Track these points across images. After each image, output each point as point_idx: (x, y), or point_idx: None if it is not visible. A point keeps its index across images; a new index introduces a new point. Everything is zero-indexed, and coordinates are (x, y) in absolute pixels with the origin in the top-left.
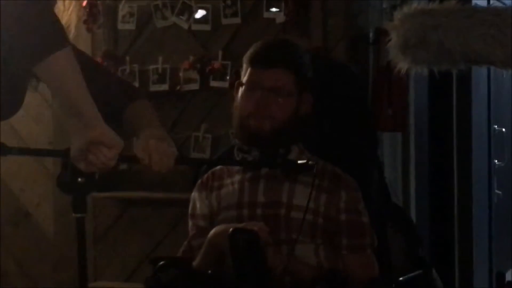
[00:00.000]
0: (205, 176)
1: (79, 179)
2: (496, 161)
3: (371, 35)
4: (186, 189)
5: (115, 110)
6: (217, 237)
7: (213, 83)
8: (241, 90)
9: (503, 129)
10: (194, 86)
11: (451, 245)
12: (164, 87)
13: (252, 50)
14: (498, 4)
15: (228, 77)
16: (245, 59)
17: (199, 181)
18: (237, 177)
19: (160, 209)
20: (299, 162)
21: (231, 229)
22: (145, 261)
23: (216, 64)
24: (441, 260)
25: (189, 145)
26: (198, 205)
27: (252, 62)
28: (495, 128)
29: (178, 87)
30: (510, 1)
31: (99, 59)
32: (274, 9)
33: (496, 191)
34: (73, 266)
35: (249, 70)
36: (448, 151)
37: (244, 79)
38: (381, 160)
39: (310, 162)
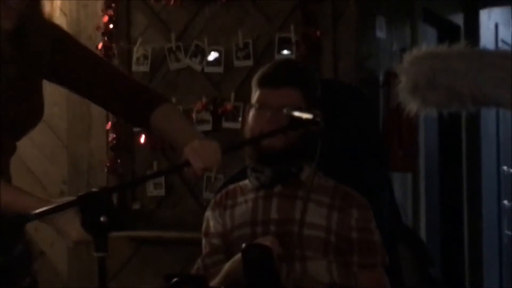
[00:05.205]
0: (219, 195)
1: (101, 219)
2: (506, 201)
3: (381, 77)
4: (198, 229)
5: (142, 115)
6: (234, 271)
7: (226, 124)
8: (251, 112)
9: None
10: (207, 127)
11: (462, 286)
12: None
13: (260, 73)
14: (506, 47)
15: (240, 118)
16: (253, 82)
17: (213, 200)
18: (250, 195)
19: (172, 248)
20: (304, 117)
21: (244, 245)
22: None
23: (229, 106)
24: None
25: (202, 185)
26: (211, 223)
27: (260, 84)
28: (504, 169)
29: None
30: None
31: None
32: (285, 52)
33: (506, 231)
34: None
35: (257, 91)
36: (457, 192)
37: (253, 101)
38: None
39: (317, 118)
